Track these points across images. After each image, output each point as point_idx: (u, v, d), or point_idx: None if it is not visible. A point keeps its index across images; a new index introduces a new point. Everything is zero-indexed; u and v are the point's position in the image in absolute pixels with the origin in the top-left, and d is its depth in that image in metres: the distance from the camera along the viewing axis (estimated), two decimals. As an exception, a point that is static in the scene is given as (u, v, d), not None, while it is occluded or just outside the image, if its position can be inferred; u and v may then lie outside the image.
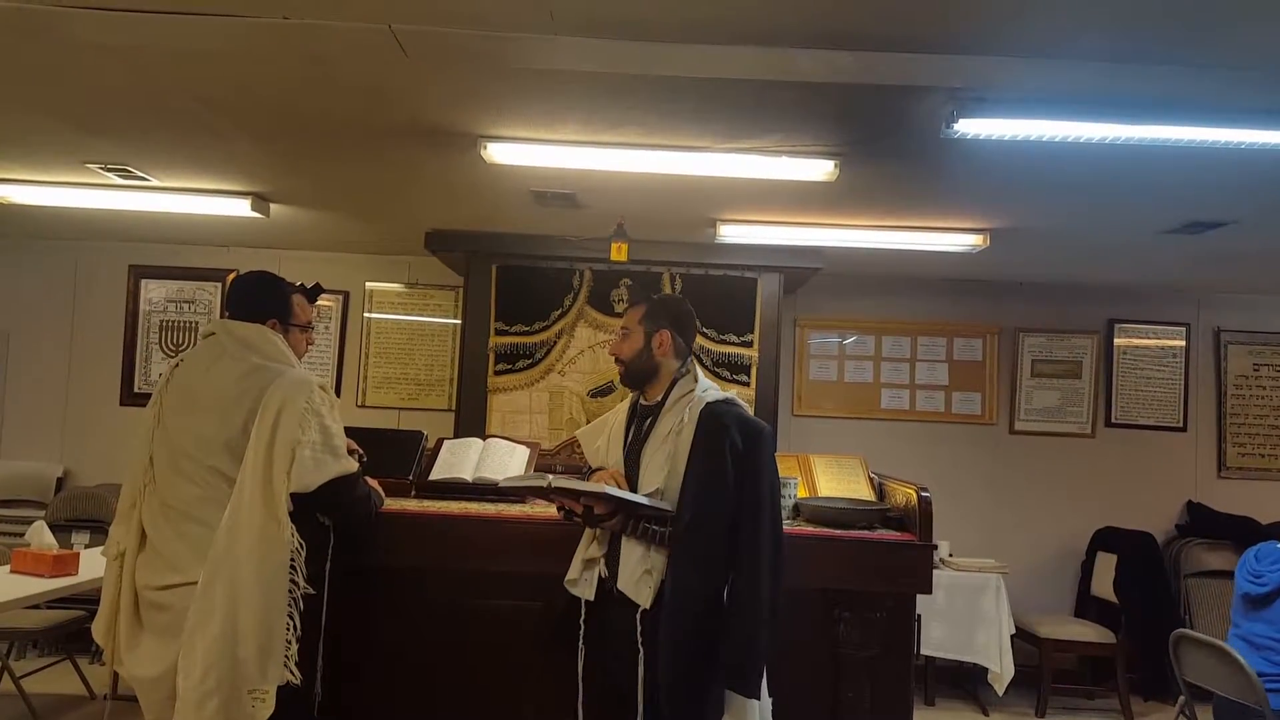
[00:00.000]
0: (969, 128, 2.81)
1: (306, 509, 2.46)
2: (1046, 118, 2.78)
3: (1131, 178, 3.48)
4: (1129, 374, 5.97)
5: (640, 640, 2.32)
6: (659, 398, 2.52)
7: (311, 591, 2.42)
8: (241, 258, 5.81)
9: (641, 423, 2.54)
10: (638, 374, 2.55)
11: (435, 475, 3.20)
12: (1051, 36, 2.38)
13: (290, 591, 2.36)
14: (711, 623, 2.27)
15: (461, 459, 3.25)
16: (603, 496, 2.33)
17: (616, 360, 2.60)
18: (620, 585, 2.37)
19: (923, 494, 2.82)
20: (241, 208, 4.46)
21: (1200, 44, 2.38)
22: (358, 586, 2.77)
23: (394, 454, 3.25)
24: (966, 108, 2.76)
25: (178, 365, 2.61)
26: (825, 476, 3.29)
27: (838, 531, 2.86)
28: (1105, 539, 5.68)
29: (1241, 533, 5.66)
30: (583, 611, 2.47)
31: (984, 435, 5.95)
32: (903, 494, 2.98)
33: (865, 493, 3.23)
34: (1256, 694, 3.17)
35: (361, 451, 2.88)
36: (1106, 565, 5.53)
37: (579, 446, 3.71)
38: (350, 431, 2.94)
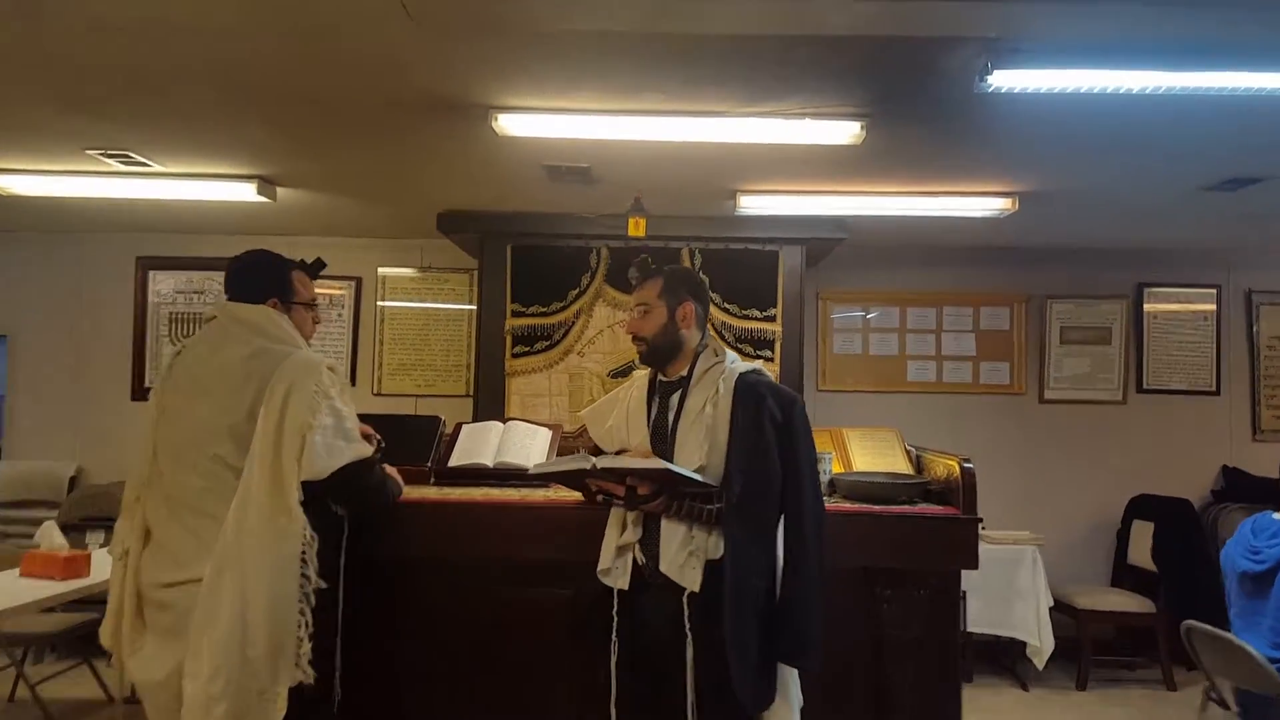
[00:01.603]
0: (1004, 80, 2.67)
1: (319, 497, 2.35)
2: (1085, 67, 2.63)
3: (1171, 131, 3.33)
4: (1160, 338, 5.83)
5: (688, 625, 2.22)
6: (683, 372, 2.42)
7: (324, 585, 2.31)
8: (251, 245, 5.65)
9: (665, 400, 2.43)
10: (662, 350, 2.43)
11: (455, 461, 3.11)
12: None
13: (302, 586, 2.25)
14: (771, 598, 2.22)
15: (481, 444, 3.15)
16: (651, 473, 2.23)
17: (637, 339, 2.47)
18: (664, 569, 2.25)
19: (965, 465, 2.71)
20: (247, 192, 4.35)
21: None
22: (377, 579, 2.68)
23: (411, 441, 3.15)
24: (1001, 59, 2.61)
25: (179, 352, 2.51)
26: (860, 450, 3.18)
27: (878, 508, 2.75)
28: (1141, 507, 5.56)
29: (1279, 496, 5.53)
30: (615, 602, 2.36)
31: (1014, 405, 5.82)
32: (943, 466, 2.87)
33: (903, 466, 3.12)
34: (1273, 683, 2.97)
35: (380, 438, 2.78)
36: (1143, 533, 5.41)
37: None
38: (366, 419, 2.85)
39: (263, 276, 2.57)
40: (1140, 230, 5.18)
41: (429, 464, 3.14)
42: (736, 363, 2.42)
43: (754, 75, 2.86)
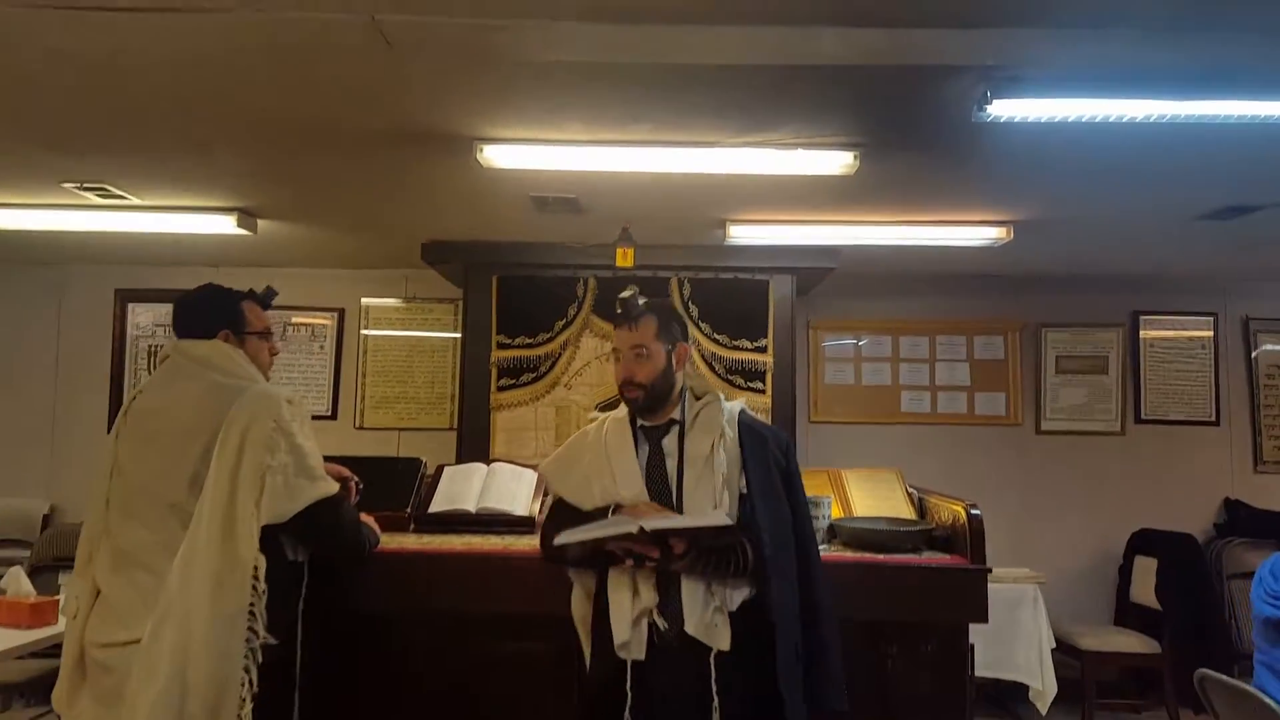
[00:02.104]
0: (1003, 109, 2.58)
1: (277, 542, 2.21)
2: (1086, 96, 2.54)
3: (1170, 159, 3.25)
4: (1157, 367, 5.74)
5: (715, 688, 2.06)
6: (673, 415, 2.27)
7: (273, 641, 2.16)
8: (232, 277, 5.40)
9: (655, 445, 2.26)
10: (660, 396, 2.25)
11: (436, 507, 2.97)
12: (1096, 3, 2.15)
13: (248, 641, 2.10)
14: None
15: (464, 488, 3.01)
16: (705, 531, 2.06)
17: (632, 385, 2.22)
18: (693, 631, 2.08)
19: (972, 512, 2.59)
20: (227, 225, 4.24)
21: (1254, 7, 2.16)
22: (348, 634, 2.52)
23: (392, 484, 3.02)
24: (1000, 87, 2.52)
25: (136, 395, 2.36)
26: (860, 493, 3.06)
27: (880, 557, 2.63)
28: (1143, 542, 5.42)
29: (1284, 530, 5.43)
30: (629, 675, 2.10)
31: (1010, 437, 5.71)
32: (948, 511, 2.75)
33: (904, 510, 3.00)
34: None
35: (359, 481, 2.65)
36: (1146, 570, 5.27)
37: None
38: (344, 460, 2.72)
39: (211, 310, 2.44)
40: (1135, 257, 5.09)
41: (409, 509, 3.00)
42: (728, 401, 2.31)
43: (747, 105, 2.77)
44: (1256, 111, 2.58)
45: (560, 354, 4.69)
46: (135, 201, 4.01)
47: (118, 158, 3.42)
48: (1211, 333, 5.74)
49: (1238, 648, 5.18)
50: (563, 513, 2.28)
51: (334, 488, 2.30)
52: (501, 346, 4.68)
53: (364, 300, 5.66)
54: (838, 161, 3.13)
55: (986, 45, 2.36)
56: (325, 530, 2.31)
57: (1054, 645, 4.78)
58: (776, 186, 3.56)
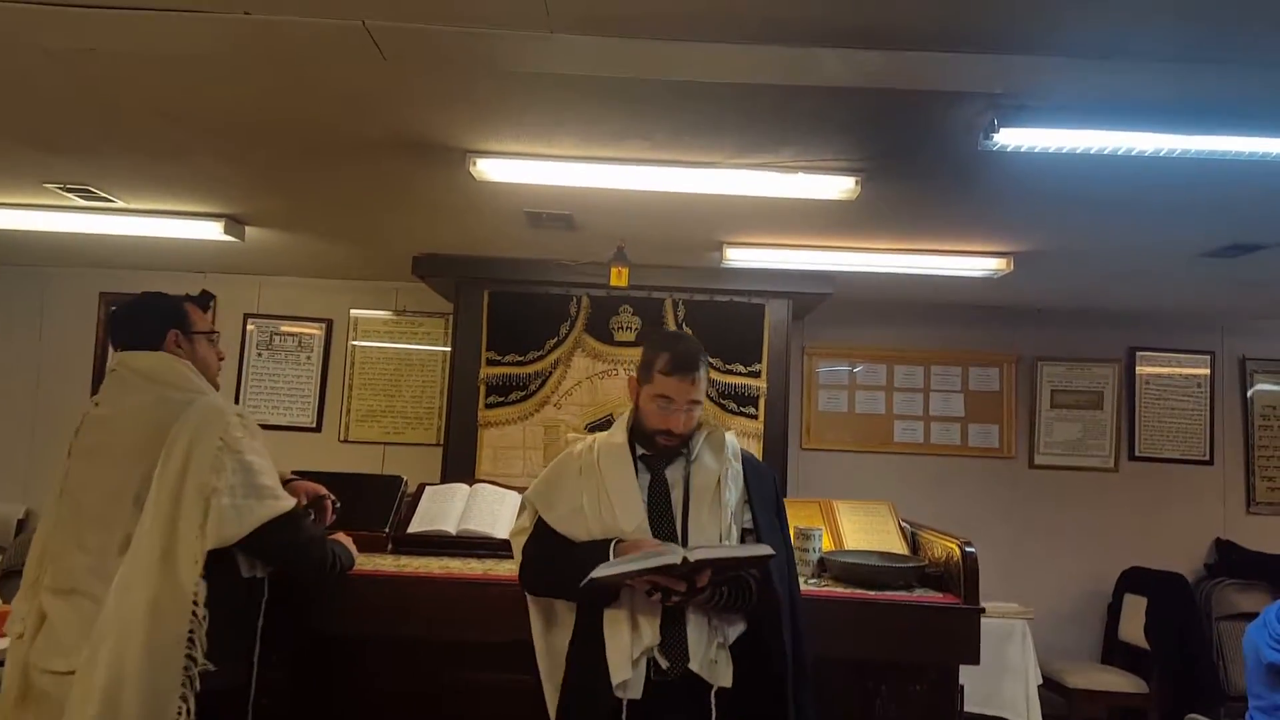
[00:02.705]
0: (1010, 139, 2.52)
1: (230, 559, 2.11)
2: (1093, 127, 2.49)
3: (1176, 195, 3.20)
4: (1152, 404, 5.68)
5: None
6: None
7: (212, 668, 2.04)
8: (219, 284, 5.43)
9: (657, 475, 2.17)
10: (685, 440, 2.18)
11: (415, 527, 2.88)
12: (1107, 33, 2.10)
13: (186, 669, 2.00)
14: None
15: (445, 508, 2.92)
16: (740, 562, 2.00)
17: (670, 435, 2.12)
18: (697, 668, 1.99)
19: (967, 549, 2.51)
20: (214, 231, 4.16)
21: (1265, 40, 2.11)
22: (316, 660, 2.43)
23: (371, 503, 2.93)
24: (1008, 116, 2.47)
25: (89, 411, 2.26)
26: (851, 526, 2.98)
27: (872, 593, 2.54)
28: (1133, 580, 5.36)
29: (1274, 572, 5.37)
30: (625, 715, 1.99)
31: (1002, 470, 5.64)
32: (941, 547, 2.67)
33: (896, 544, 2.92)
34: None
35: (335, 499, 2.56)
36: (1135, 608, 5.22)
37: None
38: (322, 477, 2.63)
39: (155, 313, 2.34)
40: (1134, 293, 5.06)
41: (387, 529, 2.91)
42: (725, 431, 2.25)
43: (748, 126, 2.71)
44: (1266, 149, 2.53)
45: (550, 373, 4.61)
46: (120, 204, 3.94)
47: (102, 159, 3.34)
48: (1208, 371, 5.69)
49: (1224, 690, 5.12)
50: (549, 542, 2.17)
51: (287, 505, 2.19)
52: (491, 363, 4.61)
53: (353, 311, 5.58)
54: (838, 186, 3.07)
55: (994, 72, 2.30)
56: (281, 549, 2.21)
57: (1041, 682, 4.71)
58: (775, 209, 3.50)
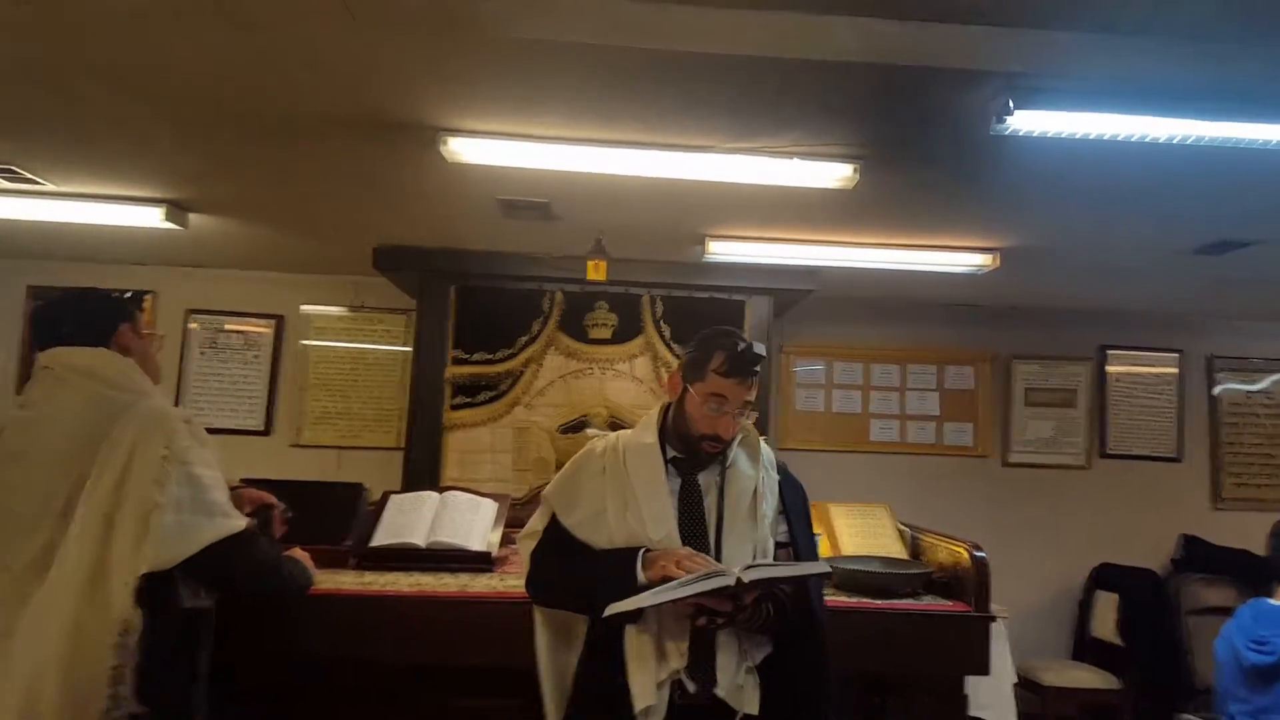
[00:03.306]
0: (1025, 122, 2.38)
1: (167, 587, 1.89)
2: (1115, 111, 2.37)
3: (1177, 187, 3.10)
4: (1122, 402, 5.66)
5: None
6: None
7: (139, 709, 1.82)
8: (160, 277, 5.19)
9: (689, 481, 1.99)
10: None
11: (380, 540, 2.64)
12: (1134, 7, 1.98)
13: (108, 711, 1.78)
14: None
15: (412, 519, 2.70)
16: (795, 580, 1.86)
17: (717, 440, 1.95)
18: (723, 692, 1.82)
19: (976, 554, 2.37)
20: (154, 218, 3.85)
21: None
22: (274, 693, 2.19)
23: (328, 513, 2.69)
24: (1023, 97, 2.33)
25: (13, 413, 2.02)
26: (848, 529, 2.83)
27: (878, 602, 2.39)
28: (1104, 576, 5.34)
29: (1239, 567, 5.37)
30: None
31: (977, 469, 5.56)
32: (947, 551, 2.53)
33: (896, 549, 2.77)
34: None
35: (287, 508, 2.34)
36: (1106, 604, 5.20)
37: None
38: (274, 485, 2.40)
39: (101, 308, 2.13)
40: (1107, 291, 5.01)
41: (349, 542, 2.67)
42: (759, 437, 2.10)
43: (747, 106, 2.53)
44: (1284, 135, 2.42)
45: (522, 372, 4.39)
46: (49, 187, 3.62)
47: (28, 135, 3.04)
48: (1176, 369, 5.68)
49: (1195, 684, 5.11)
50: (565, 548, 1.98)
51: (239, 524, 1.98)
52: (458, 362, 4.37)
53: (305, 308, 5.29)
54: (835, 174, 2.92)
55: (1012, 47, 2.17)
56: (230, 574, 1.99)
57: (1016, 680, 4.64)
58: (764, 200, 3.33)
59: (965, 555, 2.41)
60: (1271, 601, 2.99)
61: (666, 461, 1.99)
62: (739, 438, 2.04)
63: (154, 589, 1.85)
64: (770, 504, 1.96)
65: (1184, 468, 5.66)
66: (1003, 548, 5.38)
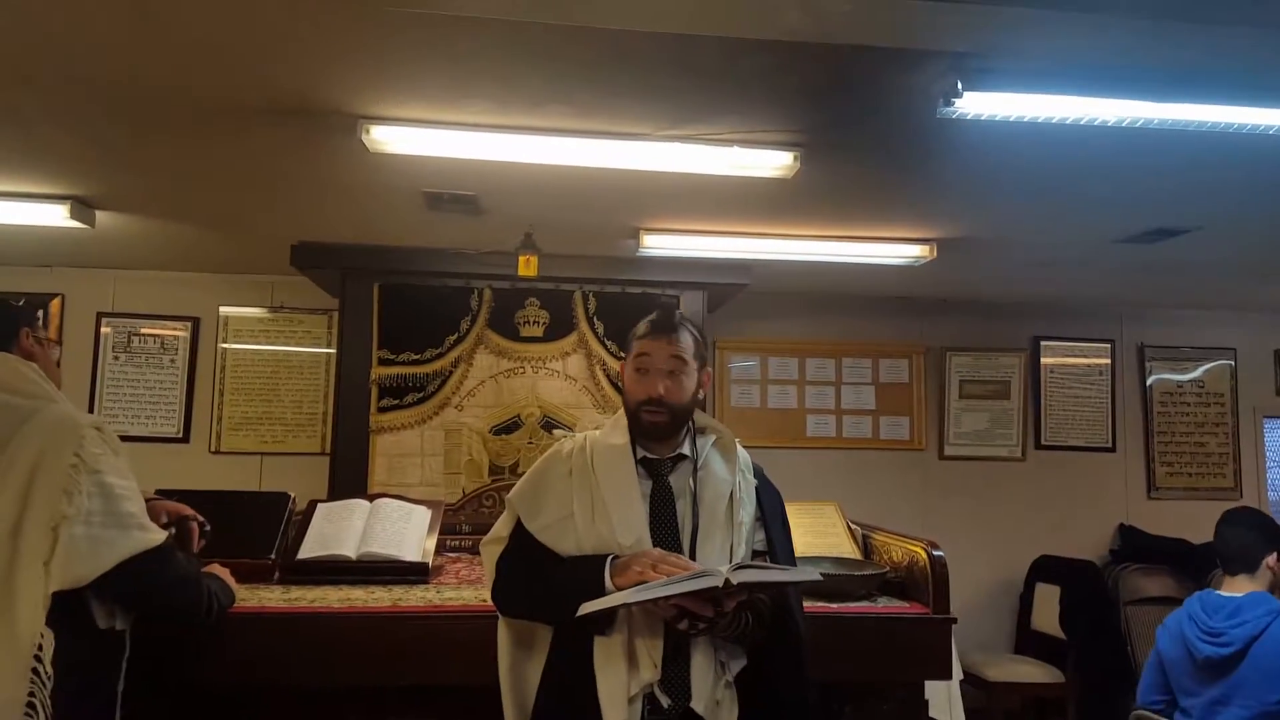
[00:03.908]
0: (972, 104, 2.31)
1: (82, 608, 1.74)
2: (1060, 93, 2.31)
3: (1115, 174, 3.08)
4: (1057, 393, 5.71)
5: None
6: (676, 449, 1.92)
7: None
8: (69, 279, 4.89)
9: (660, 482, 1.88)
10: (678, 426, 1.91)
11: (307, 553, 2.47)
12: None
13: None
14: None
15: (341, 528, 2.53)
16: (779, 586, 1.75)
17: (657, 405, 1.85)
18: (701, 709, 1.72)
19: (934, 553, 2.29)
20: (57, 215, 3.60)
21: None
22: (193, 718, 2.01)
23: (251, 525, 2.50)
24: (972, 79, 2.26)
25: None
26: (798, 529, 2.70)
27: (833, 605, 2.29)
28: (1044, 569, 5.36)
29: (1175, 556, 5.46)
30: None
31: (914, 462, 5.56)
32: (902, 551, 2.45)
33: (847, 548, 2.69)
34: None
35: (204, 522, 2.16)
36: (1047, 597, 5.21)
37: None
38: (191, 496, 2.22)
39: (1, 309, 1.98)
40: (1040, 282, 5.03)
41: (273, 555, 2.49)
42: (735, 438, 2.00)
43: (685, 90, 2.41)
44: (1242, 119, 2.39)
45: (451, 372, 4.21)
46: (-64, 182, 3.36)
47: (-88, 126, 2.80)
48: (1109, 360, 5.75)
49: (1135, 675, 5.16)
50: (531, 554, 1.87)
51: (157, 538, 1.83)
52: (383, 363, 4.18)
53: (223, 309, 5.03)
54: (775, 162, 2.82)
55: (962, 25, 2.09)
56: (146, 591, 1.84)
57: (962, 677, 4.62)
58: (701, 191, 3.23)
59: (922, 554, 2.34)
60: (1220, 593, 2.97)
61: (637, 462, 1.89)
62: (712, 437, 1.96)
63: (66, 609, 1.70)
64: (748, 510, 1.86)
65: (1118, 458, 5.74)
66: (942, 541, 5.19)
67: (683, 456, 1.90)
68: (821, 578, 1.72)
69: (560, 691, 1.79)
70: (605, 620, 1.71)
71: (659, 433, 1.88)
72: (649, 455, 1.90)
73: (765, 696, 1.77)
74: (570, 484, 1.88)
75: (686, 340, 1.93)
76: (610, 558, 1.74)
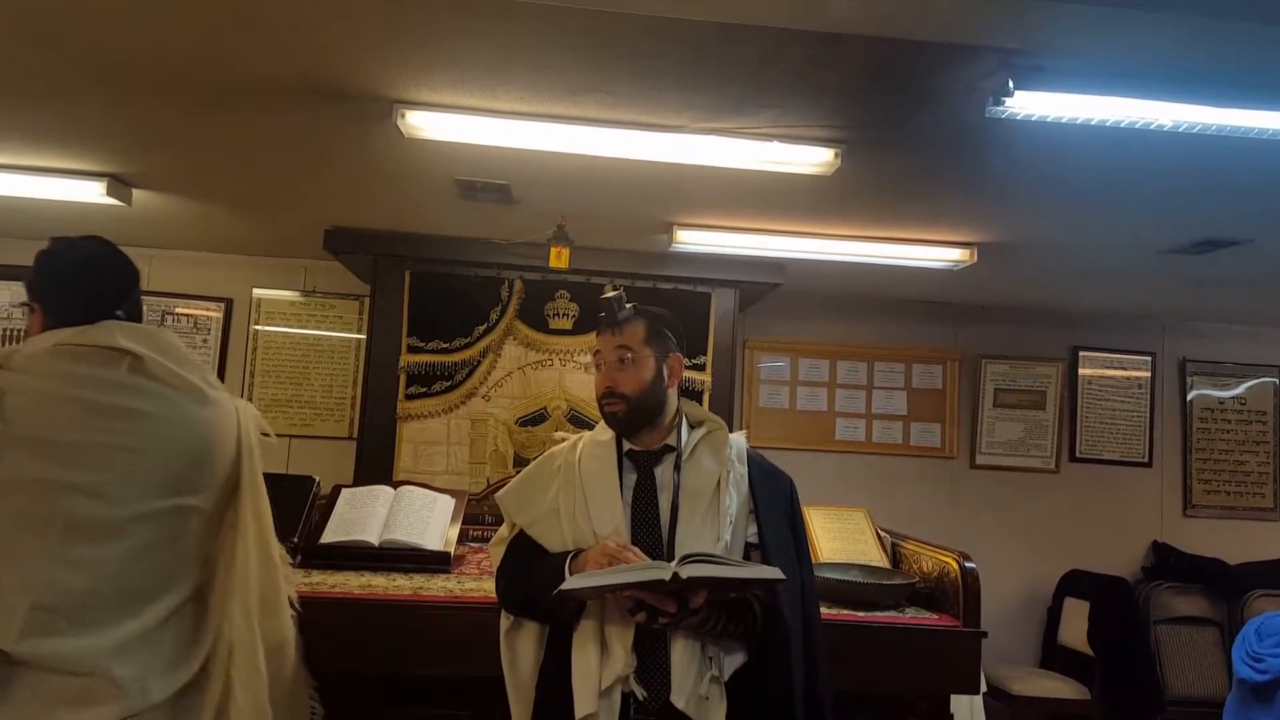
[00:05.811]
0: (1023, 104, 2.23)
1: None
2: (1116, 94, 2.23)
3: (1169, 182, 2.97)
4: (1093, 405, 5.58)
5: None
6: (668, 440, 1.90)
7: None
8: (102, 257, 4.90)
9: (644, 476, 1.86)
10: (644, 414, 1.88)
11: (330, 537, 2.45)
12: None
13: None
14: None
15: (365, 514, 2.51)
16: (743, 584, 1.70)
17: (613, 396, 1.87)
18: (682, 704, 1.68)
19: (966, 565, 2.22)
20: (94, 192, 3.60)
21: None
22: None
23: (275, 507, 2.48)
24: (1024, 77, 2.19)
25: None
26: (825, 534, 2.67)
27: (861, 614, 2.24)
28: (1074, 583, 5.25)
29: (1210, 575, 5.34)
30: None
31: (944, 470, 5.46)
32: (933, 561, 2.38)
33: (875, 556, 2.62)
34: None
35: None
36: (1076, 612, 5.11)
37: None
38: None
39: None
40: (1080, 290, 4.91)
41: (296, 538, 2.48)
42: (731, 431, 1.95)
43: (726, 82, 2.36)
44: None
45: (479, 362, 4.19)
46: (-22, 157, 3.38)
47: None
48: (1149, 373, 5.62)
49: (1164, 695, 5.05)
50: (524, 552, 1.88)
51: None
52: (412, 350, 4.17)
53: (256, 291, 5.05)
54: (815, 158, 2.76)
55: (1019, 20, 2.01)
56: None
57: (986, 690, 4.54)
58: (737, 187, 3.17)
59: (954, 565, 2.27)
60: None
61: (624, 455, 1.89)
62: (703, 431, 1.93)
63: None
64: (735, 501, 1.82)
65: (1154, 473, 5.60)
66: (970, 551, 5.28)
67: (669, 448, 1.89)
68: (784, 578, 1.65)
69: (549, 689, 1.79)
70: (575, 612, 1.72)
71: (621, 423, 1.89)
72: (635, 448, 1.91)
73: (755, 702, 1.73)
74: (557, 480, 1.91)
75: (635, 329, 1.92)
76: (571, 554, 1.76)
